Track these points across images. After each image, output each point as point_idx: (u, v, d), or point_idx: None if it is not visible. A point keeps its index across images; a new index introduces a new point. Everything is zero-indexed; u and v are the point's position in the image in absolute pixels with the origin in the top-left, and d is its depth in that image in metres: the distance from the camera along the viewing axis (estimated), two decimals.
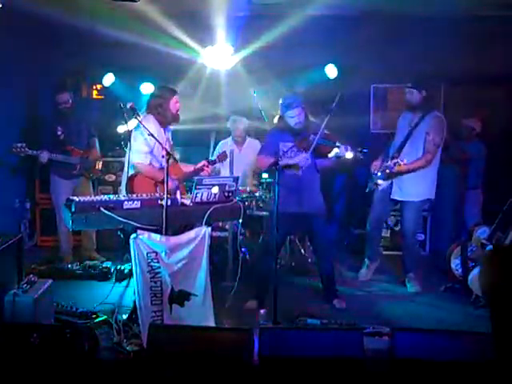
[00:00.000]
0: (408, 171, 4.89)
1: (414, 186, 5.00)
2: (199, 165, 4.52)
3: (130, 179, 4.22)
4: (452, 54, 5.97)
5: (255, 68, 6.42)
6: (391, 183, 5.09)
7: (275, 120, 4.64)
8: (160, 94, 4.42)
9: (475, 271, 4.68)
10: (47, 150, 5.42)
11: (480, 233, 4.82)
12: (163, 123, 4.37)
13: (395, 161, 4.73)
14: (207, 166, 4.53)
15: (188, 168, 4.57)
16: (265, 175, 5.52)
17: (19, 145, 5.28)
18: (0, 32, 5.25)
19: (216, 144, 6.22)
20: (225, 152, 4.99)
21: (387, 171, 4.83)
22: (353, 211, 7.02)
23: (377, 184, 5.05)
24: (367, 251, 5.50)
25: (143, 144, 4.22)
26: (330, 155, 4.35)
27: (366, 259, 5.50)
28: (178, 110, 4.39)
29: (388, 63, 6.22)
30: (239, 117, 5.98)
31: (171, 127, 4.54)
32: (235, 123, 5.94)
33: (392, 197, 5.12)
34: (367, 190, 5.24)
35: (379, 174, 4.97)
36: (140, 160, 4.22)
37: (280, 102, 4.55)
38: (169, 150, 4.02)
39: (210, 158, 6.02)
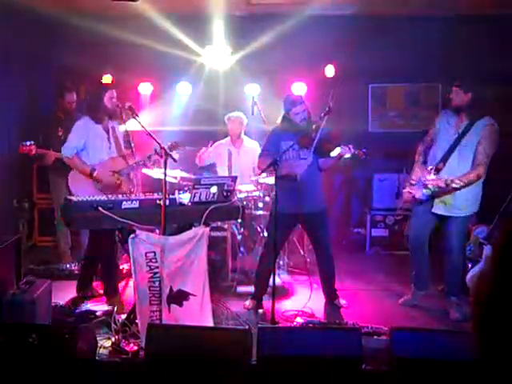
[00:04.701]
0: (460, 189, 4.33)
1: (460, 201, 4.42)
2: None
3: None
4: (451, 54, 5.97)
5: (254, 68, 6.42)
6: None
7: (278, 120, 4.61)
8: (93, 93, 4.67)
9: (474, 270, 4.68)
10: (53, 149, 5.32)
11: (478, 232, 4.81)
12: (99, 119, 4.50)
13: (447, 181, 4.23)
14: (156, 155, 4.28)
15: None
16: (264, 175, 5.49)
17: (28, 143, 5.16)
18: (0, 31, 5.25)
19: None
20: (175, 142, 4.48)
21: (436, 189, 4.30)
22: (351, 211, 7.02)
23: (417, 199, 4.50)
24: (412, 276, 4.79)
25: (71, 138, 4.45)
26: (332, 154, 4.23)
27: (411, 285, 4.78)
28: (117, 105, 4.46)
29: (387, 63, 6.22)
30: (237, 112, 5.94)
31: (123, 124, 4.61)
32: (232, 119, 5.90)
33: (434, 211, 4.51)
34: (399, 206, 4.78)
35: (425, 190, 4.37)
36: (64, 153, 4.46)
37: (284, 100, 4.53)
38: (110, 146, 4.45)
39: None
